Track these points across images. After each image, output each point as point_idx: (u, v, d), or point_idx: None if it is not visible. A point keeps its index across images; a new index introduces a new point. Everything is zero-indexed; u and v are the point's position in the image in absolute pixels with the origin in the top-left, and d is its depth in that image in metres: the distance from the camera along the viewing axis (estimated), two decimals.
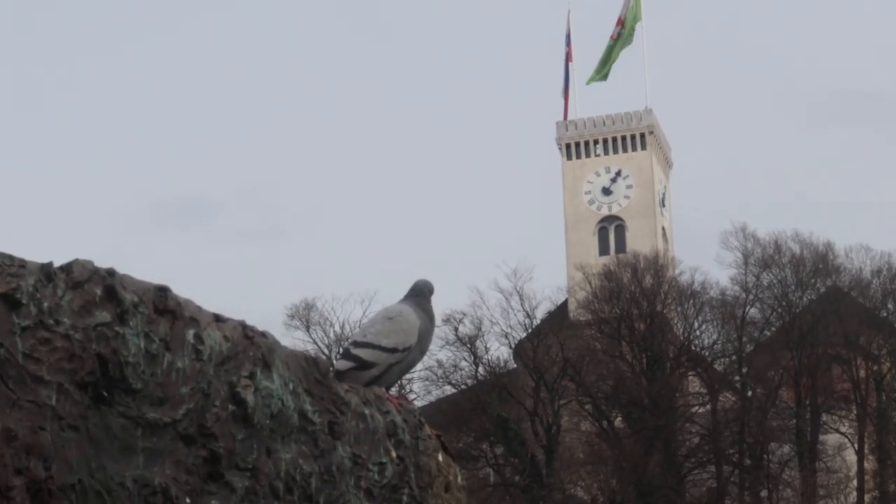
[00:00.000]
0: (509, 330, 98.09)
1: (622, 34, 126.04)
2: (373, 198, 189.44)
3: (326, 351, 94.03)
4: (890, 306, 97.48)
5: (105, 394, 4.15)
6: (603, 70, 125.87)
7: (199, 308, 4.55)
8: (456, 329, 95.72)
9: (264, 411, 4.65)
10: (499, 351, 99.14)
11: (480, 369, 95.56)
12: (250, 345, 4.68)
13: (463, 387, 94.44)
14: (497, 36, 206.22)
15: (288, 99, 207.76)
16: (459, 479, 5.75)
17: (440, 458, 5.59)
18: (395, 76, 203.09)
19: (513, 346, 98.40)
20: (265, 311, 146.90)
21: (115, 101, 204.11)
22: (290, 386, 4.79)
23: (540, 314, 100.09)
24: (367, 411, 5.21)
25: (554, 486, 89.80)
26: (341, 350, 5.94)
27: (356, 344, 6.37)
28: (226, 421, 4.50)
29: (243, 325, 4.71)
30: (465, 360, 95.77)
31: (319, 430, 4.90)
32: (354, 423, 5.11)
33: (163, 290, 4.41)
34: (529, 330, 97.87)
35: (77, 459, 4.03)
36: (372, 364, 6.28)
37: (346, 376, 6.29)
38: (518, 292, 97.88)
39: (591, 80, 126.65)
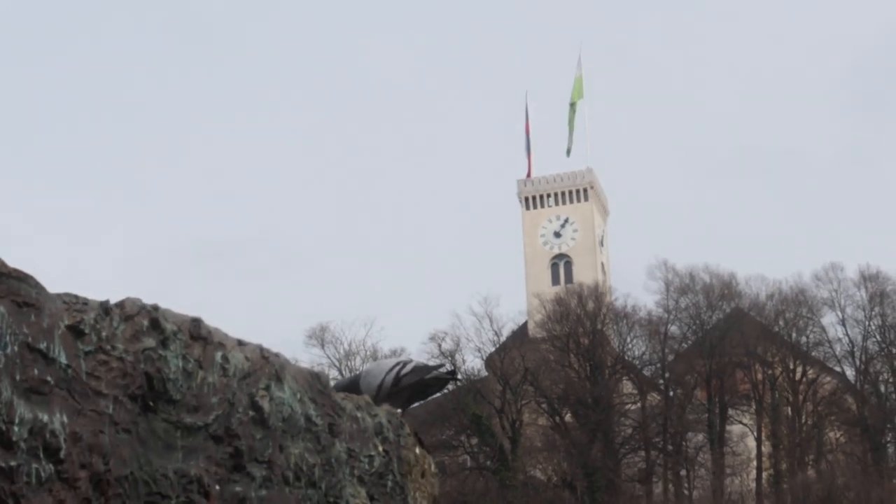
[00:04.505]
0: (481, 345, 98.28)
1: (571, 110, 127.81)
2: (371, 241, 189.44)
3: (338, 364, 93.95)
4: (781, 323, 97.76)
5: (151, 404, 4.17)
6: (570, 140, 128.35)
7: (226, 335, 4.57)
8: (439, 345, 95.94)
9: (277, 416, 4.65)
10: (473, 362, 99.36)
11: (459, 377, 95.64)
12: (266, 363, 4.69)
13: (445, 391, 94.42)
14: (466, 113, 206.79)
15: (297, 161, 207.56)
16: (433, 467, 5.74)
17: (417, 450, 5.60)
18: (388, 143, 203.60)
19: (484, 358, 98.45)
20: (286, 334, 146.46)
21: (159, 161, 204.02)
22: (298, 395, 4.80)
23: (505, 332, 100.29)
24: (359, 414, 5.22)
25: (517, 469, 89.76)
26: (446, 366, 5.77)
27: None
28: (247, 424, 4.51)
29: (261, 348, 4.72)
30: (447, 364, 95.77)
31: (321, 430, 4.90)
32: (349, 423, 5.12)
33: (196, 321, 4.42)
34: (497, 345, 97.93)
35: (129, 456, 4.03)
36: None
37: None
38: (488, 315, 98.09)
39: (569, 148, 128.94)
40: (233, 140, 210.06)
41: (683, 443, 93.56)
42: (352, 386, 6.01)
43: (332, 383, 5.82)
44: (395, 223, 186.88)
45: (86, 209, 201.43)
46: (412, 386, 5.92)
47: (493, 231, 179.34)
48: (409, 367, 5.96)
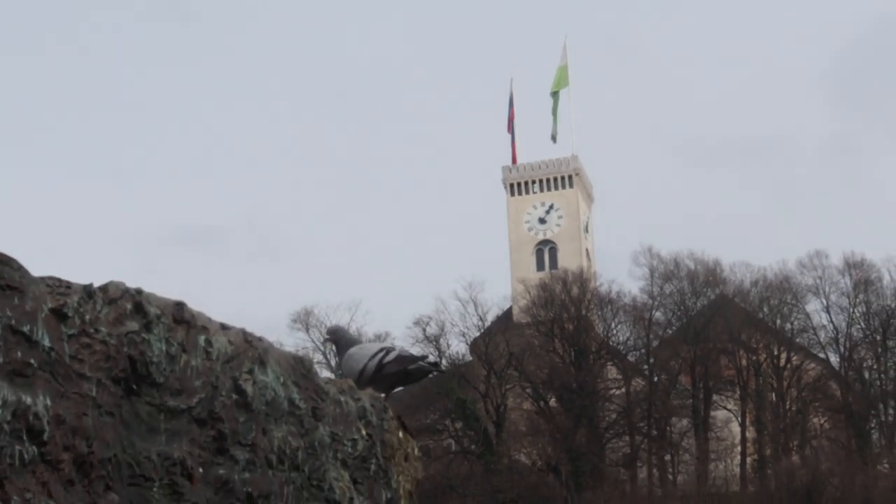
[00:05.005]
0: (466, 330, 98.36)
1: (554, 98, 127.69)
2: (357, 225, 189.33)
3: (322, 348, 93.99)
4: (765, 310, 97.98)
5: (134, 387, 4.18)
6: (555, 127, 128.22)
7: (209, 318, 4.58)
8: (424, 330, 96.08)
9: (261, 399, 4.67)
10: (458, 347, 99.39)
11: (443, 361, 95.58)
12: (249, 347, 4.70)
13: (430, 376, 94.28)
14: (451, 99, 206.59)
15: (283, 146, 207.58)
16: (416, 451, 5.77)
17: (400, 434, 5.62)
18: (373, 129, 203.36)
19: (469, 343, 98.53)
20: (271, 318, 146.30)
21: (149, 147, 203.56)
22: (281, 379, 4.82)
23: (490, 318, 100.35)
24: (342, 398, 5.24)
25: (502, 453, 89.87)
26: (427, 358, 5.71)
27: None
28: (230, 407, 4.52)
29: (244, 332, 4.74)
30: (431, 354, 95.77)
31: (304, 414, 4.92)
32: (332, 407, 5.13)
33: (180, 305, 4.44)
34: (482, 330, 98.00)
35: (113, 438, 4.05)
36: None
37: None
38: (473, 300, 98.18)
39: (554, 135, 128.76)
40: (218, 124, 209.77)
41: (668, 428, 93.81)
42: (347, 344, 6.02)
43: (335, 329, 5.89)
44: (380, 208, 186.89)
45: (70, 193, 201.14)
46: (394, 374, 5.94)
47: (478, 217, 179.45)
48: (392, 356, 5.96)
